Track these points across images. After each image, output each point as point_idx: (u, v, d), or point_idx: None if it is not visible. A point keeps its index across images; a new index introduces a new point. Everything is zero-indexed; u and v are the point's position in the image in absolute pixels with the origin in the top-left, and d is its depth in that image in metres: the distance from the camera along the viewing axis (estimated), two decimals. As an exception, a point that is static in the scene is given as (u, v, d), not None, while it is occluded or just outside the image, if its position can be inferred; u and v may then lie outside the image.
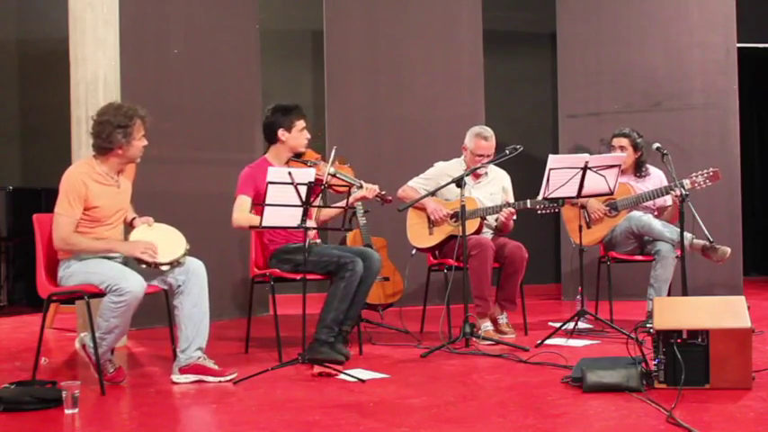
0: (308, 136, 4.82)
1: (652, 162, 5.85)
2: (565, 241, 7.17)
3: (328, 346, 4.43)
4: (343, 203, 4.58)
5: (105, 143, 4.02)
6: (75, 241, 3.97)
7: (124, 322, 3.91)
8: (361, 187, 4.74)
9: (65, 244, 3.97)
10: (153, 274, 4.07)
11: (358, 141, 6.90)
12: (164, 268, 4.02)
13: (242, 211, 4.58)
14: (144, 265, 3.99)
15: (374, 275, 4.64)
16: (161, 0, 6.18)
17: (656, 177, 5.77)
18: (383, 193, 4.84)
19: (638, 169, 5.76)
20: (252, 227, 4.49)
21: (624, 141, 5.74)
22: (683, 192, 5.01)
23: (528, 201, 5.18)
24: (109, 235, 4.09)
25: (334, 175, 4.65)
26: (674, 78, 7.16)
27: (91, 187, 3.99)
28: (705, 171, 5.33)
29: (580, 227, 5.08)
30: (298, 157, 4.79)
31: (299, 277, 4.43)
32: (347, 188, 4.54)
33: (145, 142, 4.12)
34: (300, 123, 4.77)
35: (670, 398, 3.44)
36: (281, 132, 4.74)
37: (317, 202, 4.56)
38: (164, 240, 4.07)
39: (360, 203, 5.47)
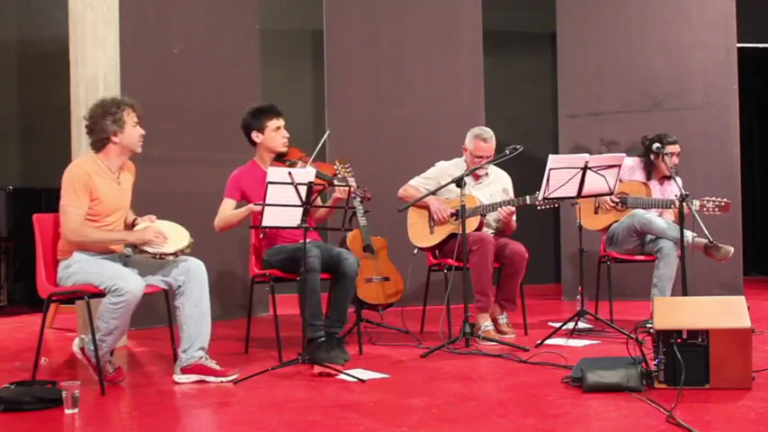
0: (286, 134, 4.78)
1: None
2: (565, 241, 7.17)
3: (326, 346, 4.43)
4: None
5: (100, 135, 4.04)
6: (87, 232, 3.96)
7: (123, 323, 3.91)
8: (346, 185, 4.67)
9: (76, 236, 3.94)
10: (155, 267, 4.06)
11: (358, 141, 6.89)
12: (169, 258, 4.02)
13: (219, 214, 4.68)
14: (150, 254, 4.00)
15: (351, 277, 4.59)
16: (161, 0, 6.18)
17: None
18: (357, 188, 4.79)
19: (669, 179, 5.60)
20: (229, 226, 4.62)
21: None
22: (683, 192, 5.00)
23: (527, 197, 5.12)
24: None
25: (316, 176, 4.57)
26: (673, 78, 7.15)
27: (94, 179, 3.99)
28: (717, 199, 5.29)
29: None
30: (279, 158, 4.73)
31: (298, 277, 4.42)
32: (323, 186, 4.39)
33: (141, 131, 4.10)
34: (273, 123, 4.73)
35: (670, 398, 3.44)
36: (254, 135, 4.75)
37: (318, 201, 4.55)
38: (168, 231, 4.10)
39: (359, 205, 5.35)
